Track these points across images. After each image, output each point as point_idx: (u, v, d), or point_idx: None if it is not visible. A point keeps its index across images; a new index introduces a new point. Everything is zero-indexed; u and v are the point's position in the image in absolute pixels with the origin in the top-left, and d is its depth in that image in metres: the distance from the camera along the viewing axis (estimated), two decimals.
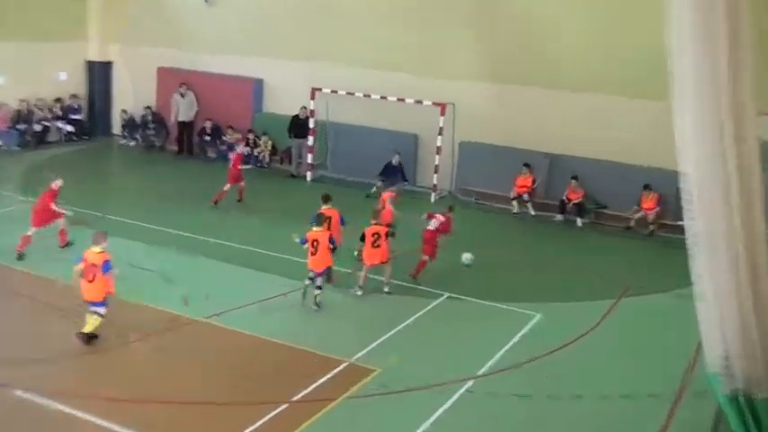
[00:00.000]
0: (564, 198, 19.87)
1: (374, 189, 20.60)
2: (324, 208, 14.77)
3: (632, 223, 19.30)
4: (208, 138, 24.43)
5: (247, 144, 23.58)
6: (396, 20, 21.93)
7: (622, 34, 19.15)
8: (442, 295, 14.20)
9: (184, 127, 24.77)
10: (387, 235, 14.14)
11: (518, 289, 14.98)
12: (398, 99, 21.15)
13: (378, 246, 14.03)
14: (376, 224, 14.14)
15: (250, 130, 23.84)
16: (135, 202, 19.50)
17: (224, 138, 24.21)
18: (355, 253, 15.01)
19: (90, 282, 11.46)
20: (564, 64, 20.08)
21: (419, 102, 20.99)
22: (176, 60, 25.41)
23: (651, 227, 19.02)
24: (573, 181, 19.75)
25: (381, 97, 21.35)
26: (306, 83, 22.52)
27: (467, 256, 14.71)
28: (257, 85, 24.42)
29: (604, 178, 19.77)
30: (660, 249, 18.02)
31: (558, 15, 20.13)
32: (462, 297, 14.18)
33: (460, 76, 21.29)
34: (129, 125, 25.93)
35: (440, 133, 20.91)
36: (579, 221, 19.56)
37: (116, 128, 26.72)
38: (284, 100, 23.67)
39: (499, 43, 20.78)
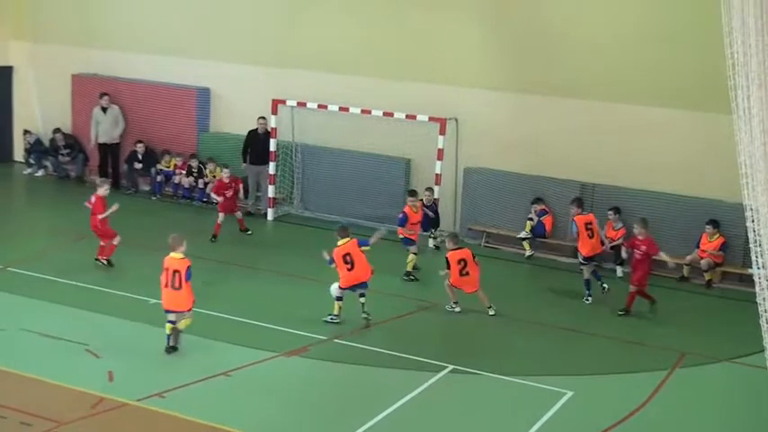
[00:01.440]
0: (603, 238, 19.99)
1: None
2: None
3: (685, 272, 19.61)
4: (139, 165, 24.69)
5: (190, 173, 23.87)
6: (381, 12, 22.34)
7: (675, 34, 19.58)
8: (445, 367, 14.36)
9: (108, 151, 24.99)
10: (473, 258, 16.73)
11: (543, 359, 15.18)
12: (385, 113, 21.49)
13: (466, 274, 16.61)
14: (458, 249, 16.83)
15: (193, 155, 24.15)
16: (45, 250, 19.59)
17: (158, 166, 24.47)
18: (445, 282, 16.87)
19: (177, 289, 13.81)
20: (599, 69, 20.45)
21: (412, 116, 21.27)
22: (97, 64, 25.76)
23: (709, 276, 19.34)
24: (610, 213, 19.82)
25: (363, 111, 21.69)
26: (265, 93, 22.83)
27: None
28: (202, 97, 24.73)
29: (652, 213, 19.94)
30: (722, 305, 18.37)
31: (594, 6, 20.56)
32: (471, 370, 14.34)
33: (465, 83, 21.63)
34: (36, 150, 26.16)
35: (439, 157, 21.20)
36: (619, 270, 19.76)
37: (18, 153, 26.95)
38: (237, 116, 24.00)
39: (516, 41, 21.15)
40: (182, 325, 14.19)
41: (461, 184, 21.97)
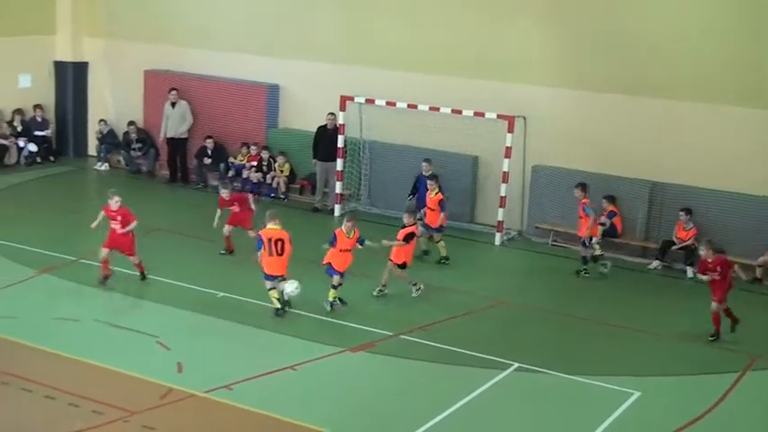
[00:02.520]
0: (673, 238, 19.91)
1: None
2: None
3: (758, 273, 19.32)
4: (208, 161, 25.03)
5: (259, 168, 24.14)
6: (450, 11, 22.41)
7: (751, 31, 19.38)
8: (510, 365, 14.38)
9: (176, 146, 25.42)
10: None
11: (609, 359, 15.12)
12: (453, 111, 21.54)
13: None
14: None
15: (265, 147, 24.46)
16: None
17: (230, 160, 24.78)
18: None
19: (279, 255, 15.49)
20: (670, 67, 20.29)
21: (480, 114, 21.31)
22: (169, 61, 26.21)
23: None
24: (682, 214, 19.74)
25: (431, 108, 21.76)
26: (334, 90, 23.01)
27: (291, 288, 15.77)
28: (272, 93, 24.99)
29: (723, 213, 19.84)
30: None
31: (667, 5, 20.39)
32: (536, 368, 14.34)
33: (534, 81, 21.60)
34: (107, 141, 26.66)
35: (507, 155, 21.17)
36: (690, 271, 19.57)
37: (92, 147, 27.51)
38: (306, 112, 24.22)
39: (586, 38, 21.06)
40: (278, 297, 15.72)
41: (529, 183, 21.92)
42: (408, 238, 17.01)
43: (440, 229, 19.46)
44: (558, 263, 20.24)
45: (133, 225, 17.01)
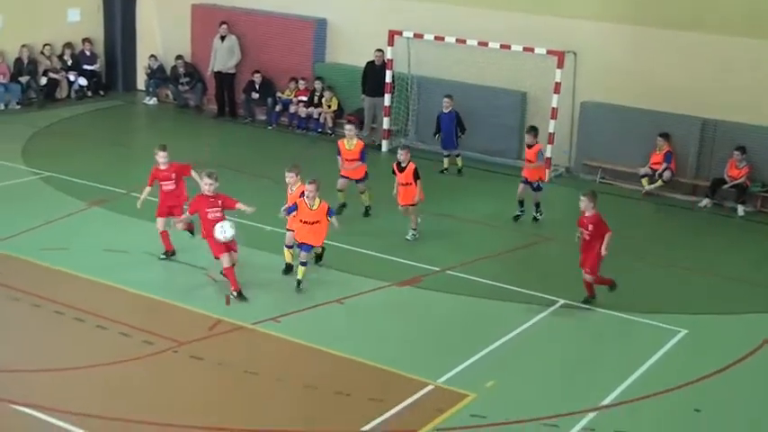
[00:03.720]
0: (725, 176, 19.69)
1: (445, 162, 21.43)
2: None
3: None
4: (256, 95, 25.05)
5: (311, 101, 24.14)
6: None
7: None
8: (556, 302, 14.39)
9: (224, 80, 25.46)
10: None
11: (656, 297, 15.05)
12: (502, 46, 21.33)
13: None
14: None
15: (318, 78, 24.43)
16: None
17: (278, 95, 24.78)
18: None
19: (312, 224, 14.12)
20: (724, 1, 19.93)
21: (529, 49, 21.09)
22: None
23: None
24: (736, 153, 19.55)
25: (480, 43, 21.56)
26: (382, 24, 22.90)
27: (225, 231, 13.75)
28: (319, 27, 24.89)
29: None
30: None
31: None
32: (582, 305, 14.34)
33: (584, 15, 21.31)
34: (156, 77, 26.79)
35: (556, 91, 20.97)
36: (740, 209, 19.41)
37: (141, 82, 27.66)
38: (354, 46, 24.14)
39: None
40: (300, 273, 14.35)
41: (578, 120, 21.72)
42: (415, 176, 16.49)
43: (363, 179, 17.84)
44: (605, 200, 20.03)
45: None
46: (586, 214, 13.98)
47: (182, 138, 23.42)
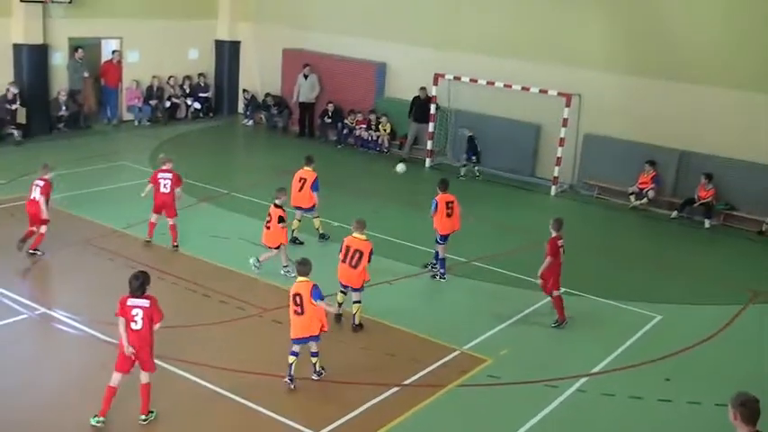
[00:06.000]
0: (695, 196, 19.44)
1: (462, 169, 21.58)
2: (304, 170, 15.54)
3: (765, 227, 18.72)
4: (329, 120, 25.15)
5: (369, 127, 24.19)
6: (523, 4, 22.04)
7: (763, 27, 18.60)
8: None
9: (306, 108, 25.57)
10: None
11: (638, 288, 14.90)
12: (523, 88, 21.20)
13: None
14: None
15: (372, 111, 24.49)
16: (259, 181, 20.19)
17: (345, 121, 24.88)
18: None
19: (353, 267, 11.92)
20: (700, 57, 19.64)
21: (544, 91, 20.95)
22: (301, 41, 26.28)
23: None
24: (704, 178, 19.29)
25: (505, 85, 21.46)
26: (429, 68, 22.87)
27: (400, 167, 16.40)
28: (380, 69, 24.93)
29: (737, 178, 19.25)
30: None
31: (700, 6, 19.66)
32: (579, 293, 14.23)
33: (589, 65, 21.13)
34: (251, 104, 27.00)
35: (564, 124, 20.80)
36: (707, 222, 19.12)
37: (241, 107, 27.85)
38: (406, 85, 24.09)
39: (633, 31, 20.51)
40: (358, 318, 12.25)
41: (581, 147, 21.53)
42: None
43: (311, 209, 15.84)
44: (600, 210, 20.00)
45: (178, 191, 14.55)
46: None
47: (272, 151, 23.65)
